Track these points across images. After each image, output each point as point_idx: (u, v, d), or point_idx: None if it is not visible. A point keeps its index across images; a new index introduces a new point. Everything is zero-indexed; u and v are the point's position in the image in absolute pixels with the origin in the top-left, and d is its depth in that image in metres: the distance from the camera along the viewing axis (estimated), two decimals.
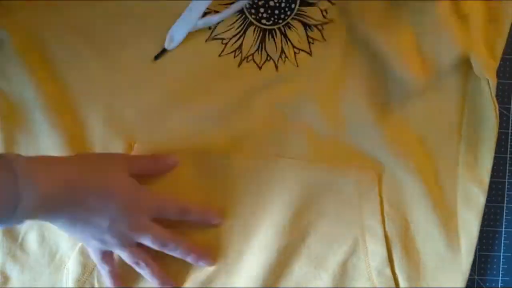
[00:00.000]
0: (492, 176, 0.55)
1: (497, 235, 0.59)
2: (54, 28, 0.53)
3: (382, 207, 0.54)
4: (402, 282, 0.54)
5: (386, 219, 0.54)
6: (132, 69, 0.53)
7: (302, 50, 0.54)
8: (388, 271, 0.54)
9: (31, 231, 0.55)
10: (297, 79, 0.54)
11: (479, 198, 0.54)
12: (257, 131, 0.54)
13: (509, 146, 0.58)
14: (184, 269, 0.55)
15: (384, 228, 0.54)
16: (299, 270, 0.54)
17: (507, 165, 0.58)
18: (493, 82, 0.52)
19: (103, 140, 0.54)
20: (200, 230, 0.54)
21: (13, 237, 0.55)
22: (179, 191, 0.54)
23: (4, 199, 0.42)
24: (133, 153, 0.54)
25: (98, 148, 0.54)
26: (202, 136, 0.54)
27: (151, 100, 0.54)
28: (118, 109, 0.54)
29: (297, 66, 0.54)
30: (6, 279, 0.55)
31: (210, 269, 0.54)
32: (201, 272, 0.54)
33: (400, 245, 0.54)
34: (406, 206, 0.55)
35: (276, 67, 0.54)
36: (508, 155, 0.58)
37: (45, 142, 0.54)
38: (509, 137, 0.58)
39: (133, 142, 0.54)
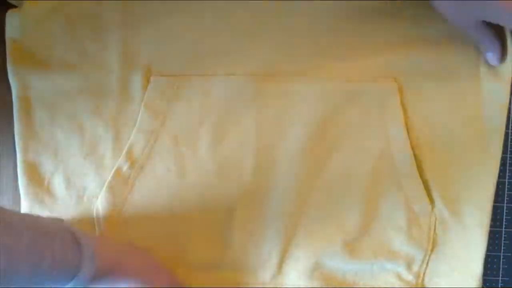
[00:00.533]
0: None
1: (497, 235, 0.59)
2: None
3: (405, 114, 0.54)
4: (433, 190, 0.55)
5: (410, 126, 0.54)
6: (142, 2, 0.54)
7: None
8: (417, 177, 0.54)
9: (56, 174, 0.55)
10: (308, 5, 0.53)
11: (502, 94, 0.54)
12: (270, 52, 0.54)
13: (509, 146, 0.58)
14: None
15: (409, 134, 0.54)
16: (328, 185, 0.55)
17: (507, 165, 0.58)
18: None
19: (120, 75, 0.54)
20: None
21: (38, 182, 0.55)
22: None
23: (67, 266, 0.43)
24: (150, 85, 0.54)
25: (116, 86, 0.54)
26: (217, 59, 0.54)
27: (164, 31, 0.54)
28: (133, 42, 0.54)
29: None
30: None
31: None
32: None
33: (427, 152, 0.54)
34: (430, 112, 0.55)
35: None
36: (508, 155, 0.58)
37: (63, 84, 0.54)
38: (509, 137, 0.58)
39: (149, 74, 0.54)
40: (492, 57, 0.53)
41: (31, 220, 0.44)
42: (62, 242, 0.43)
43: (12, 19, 0.54)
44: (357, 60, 0.54)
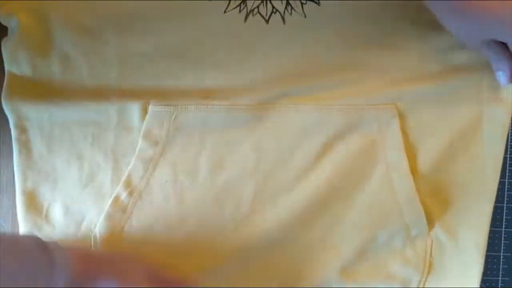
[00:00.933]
0: None
1: (497, 235, 0.59)
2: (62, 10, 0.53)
3: (405, 141, 0.54)
4: (432, 215, 0.55)
5: (410, 153, 0.54)
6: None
7: (310, 0, 0.53)
8: (418, 204, 0.54)
9: (54, 203, 0.55)
10: (305, 31, 0.53)
11: (503, 120, 0.54)
12: (269, 82, 0.54)
13: (509, 146, 0.58)
14: None
15: (409, 160, 0.54)
16: (327, 213, 0.55)
17: (507, 165, 0.58)
18: None
19: (119, 105, 0.54)
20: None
21: (36, 211, 0.55)
22: None
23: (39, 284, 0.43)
24: (148, 115, 0.54)
25: (114, 115, 0.54)
26: (216, 90, 0.54)
27: (162, 63, 0.54)
28: (131, 72, 0.54)
29: (305, 17, 0.53)
30: None
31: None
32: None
33: (426, 178, 0.55)
34: (430, 138, 0.54)
35: (283, 20, 0.53)
36: (508, 155, 0.58)
37: (61, 115, 0.54)
38: (509, 137, 0.58)
39: (147, 103, 0.54)
40: (501, 76, 0.52)
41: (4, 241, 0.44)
42: (31, 258, 0.44)
43: (8, 50, 0.54)
44: (357, 85, 0.54)
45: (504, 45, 0.49)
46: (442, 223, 0.55)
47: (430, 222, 0.55)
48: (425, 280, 0.56)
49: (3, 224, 0.58)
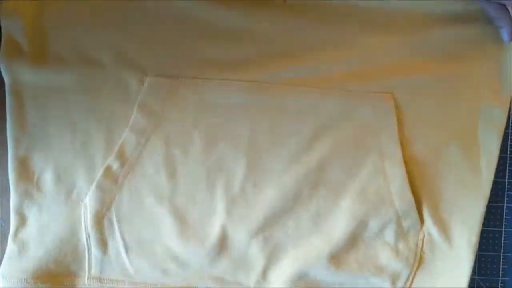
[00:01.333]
0: None
1: (497, 235, 0.58)
2: None
3: (400, 130, 0.54)
4: (424, 208, 0.54)
5: (404, 143, 0.54)
6: (141, 2, 0.54)
7: None
8: (409, 194, 0.54)
9: (46, 170, 0.55)
10: (306, 10, 0.54)
11: (500, 118, 0.54)
12: (266, 60, 0.54)
13: (509, 146, 0.58)
14: None
15: (403, 151, 0.54)
16: (318, 197, 0.54)
17: (507, 165, 0.58)
18: None
19: (115, 75, 0.54)
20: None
21: (28, 178, 0.55)
22: None
23: None
24: (145, 86, 0.54)
25: (110, 85, 0.54)
26: (213, 64, 0.54)
27: (161, 33, 0.54)
28: (129, 43, 0.54)
29: None
30: (23, 219, 0.55)
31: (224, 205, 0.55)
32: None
33: (420, 169, 0.54)
34: (425, 131, 0.54)
35: None
36: (508, 155, 0.58)
37: (56, 81, 0.54)
38: (509, 137, 0.58)
39: (145, 75, 0.54)
40: (503, 32, 0.53)
41: None
42: None
43: (7, 12, 0.54)
44: (355, 72, 0.54)
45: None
46: (434, 218, 0.54)
47: (421, 216, 0.54)
48: (414, 275, 0.55)
49: (3, 224, 0.58)
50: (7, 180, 0.56)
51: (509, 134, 0.58)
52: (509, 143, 0.58)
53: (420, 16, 0.54)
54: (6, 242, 0.56)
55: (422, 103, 0.54)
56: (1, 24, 0.54)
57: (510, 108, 0.55)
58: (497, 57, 0.54)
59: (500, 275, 0.59)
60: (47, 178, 0.55)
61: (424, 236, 0.55)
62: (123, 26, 0.54)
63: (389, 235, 0.55)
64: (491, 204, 0.57)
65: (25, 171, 0.55)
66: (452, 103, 0.54)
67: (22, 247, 0.55)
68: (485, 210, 0.54)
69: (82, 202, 0.55)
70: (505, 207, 0.58)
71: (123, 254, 0.55)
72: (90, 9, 0.54)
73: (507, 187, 0.58)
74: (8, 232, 0.56)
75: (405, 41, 0.54)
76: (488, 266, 0.58)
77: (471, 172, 0.54)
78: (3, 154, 0.56)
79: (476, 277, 0.58)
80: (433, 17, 0.54)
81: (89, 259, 0.55)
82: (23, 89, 0.55)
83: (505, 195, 0.58)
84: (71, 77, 0.54)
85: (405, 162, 0.54)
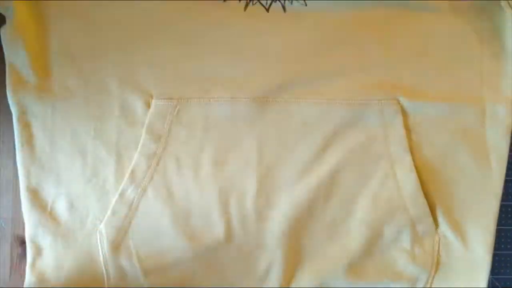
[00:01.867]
0: None
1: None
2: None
3: (408, 136, 0.54)
4: (438, 211, 0.55)
5: (414, 148, 0.54)
6: (142, 24, 0.54)
7: None
8: (422, 198, 0.54)
9: (58, 199, 0.54)
10: (306, 20, 0.54)
11: (506, 117, 0.54)
12: (270, 73, 0.54)
13: None
14: None
15: (413, 156, 0.54)
16: (331, 208, 0.55)
17: None
18: None
19: (121, 99, 0.54)
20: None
21: (41, 207, 0.54)
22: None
23: None
24: (151, 109, 0.54)
25: (117, 110, 0.54)
26: (217, 82, 0.54)
27: (164, 55, 0.54)
28: (133, 66, 0.54)
29: (306, 5, 0.54)
30: (39, 248, 0.55)
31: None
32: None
33: (430, 173, 0.54)
34: (433, 134, 0.54)
35: (284, 8, 0.54)
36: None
37: (63, 109, 0.54)
38: None
39: (151, 98, 0.54)
40: None
41: None
42: None
43: (10, 43, 0.53)
44: (359, 80, 0.54)
45: None
46: (449, 220, 0.55)
47: (436, 219, 0.55)
48: (433, 278, 0.56)
49: (3, 224, 0.57)
50: (7, 180, 0.56)
51: None
52: None
53: (424, 18, 0.54)
54: (6, 242, 0.55)
55: (427, 106, 0.54)
56: (5, 57, 0.53)
57: None
58: (498, 55, 0.54)
59: None
60: (60, 207, 0.54)
61: (439, 240, 0.55)
62: (126, 50, 0.54)
63: (405, 240, 0.55)
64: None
65: (37, 201, 0.54)
66: (457, 105, 0.54)
67: (41, 279, 0.54)
68: (498, 209, 0.54)
69: (97, 229, 0.54)
70: None
71: (142, 280, 0.54)
72: (92, 35, 0.53)
73: None
74: (8, 232, 0.55)
75: (409, 47, 0.54)
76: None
77: (482, 172, 0.55)
78: (3, 154, 0.56)
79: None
80: (436, 20, 0.54)
81: (109, 285, 0.55)
82: (31, 120, 0.54)
83: None
84: (77, 104, 0.54)
85: (416, 167, 0.54)
